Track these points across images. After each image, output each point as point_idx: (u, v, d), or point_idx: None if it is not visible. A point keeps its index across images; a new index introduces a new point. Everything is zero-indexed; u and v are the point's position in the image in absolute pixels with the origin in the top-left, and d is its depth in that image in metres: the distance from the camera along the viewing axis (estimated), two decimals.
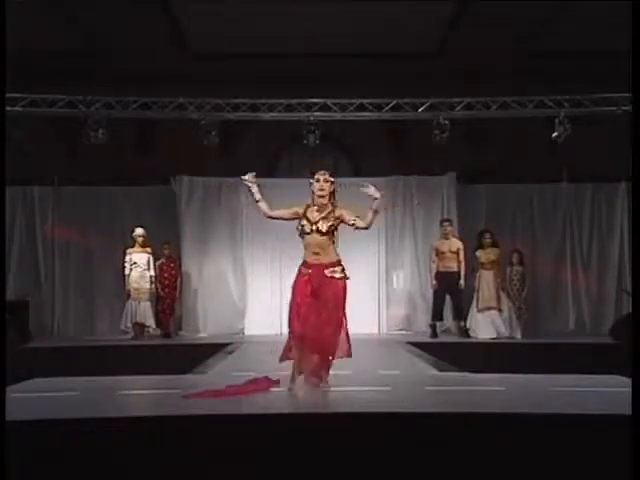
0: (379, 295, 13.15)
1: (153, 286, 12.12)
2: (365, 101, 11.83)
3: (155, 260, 12.16)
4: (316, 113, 11.77)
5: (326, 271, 5.98)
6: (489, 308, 11.81)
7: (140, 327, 12.03)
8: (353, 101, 11.82)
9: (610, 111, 11.56)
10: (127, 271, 12.01)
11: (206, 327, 12.93)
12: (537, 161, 12.72)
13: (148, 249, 12.09)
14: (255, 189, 6.20)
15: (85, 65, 12.08)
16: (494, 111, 11.87)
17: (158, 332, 12.28)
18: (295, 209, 6.16)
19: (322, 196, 6.06)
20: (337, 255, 6.09)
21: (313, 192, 6.12)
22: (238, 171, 12.97)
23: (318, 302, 5.93)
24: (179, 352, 10.51)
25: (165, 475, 4.26)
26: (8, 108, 10.56)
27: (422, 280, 13.05)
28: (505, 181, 13.22)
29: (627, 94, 10.45)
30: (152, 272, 12.08)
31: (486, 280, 11.88)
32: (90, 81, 11.94)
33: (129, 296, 12.01)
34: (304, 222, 6.05)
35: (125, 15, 10.90)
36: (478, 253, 12.00)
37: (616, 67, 9.44)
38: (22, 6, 9.69)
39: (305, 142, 11.79)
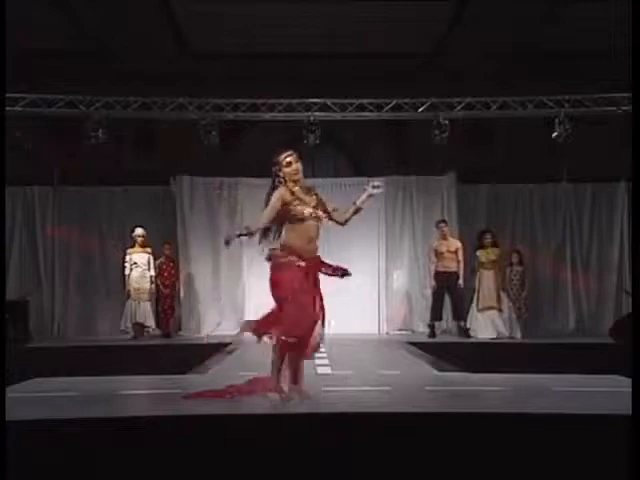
0: (379, 295, 13.15)
1: (153, 286, 12.13)
2: (365, 101, 11.84)
3: (155, 260, 12.18)
4: (316, 113, 11.77)
5: (322, 267, 5.50)
6: (489, 308, 11.83)
7: (140, 327, 12.04)
8: (353, 101, 11.82)
9: (610, 111, 11.56)
10: (127, 271, 12.03)
11: (206, 327, 12.94)
12: (537, 161, 12.72)
13: (148, 249, 12.10)
14: (249, 231, 5.55)
15: (85, 65, 12.08)
16: (494, 111, 11.87)
17: (158, 332, 12.28)
18: (279, 198, 5.41)
19: (299, 179, 5.48)
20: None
21: (284, 178, 5.44)
22: (238, 171, 13.19)
23: (314, 302, 5.40)
24: (179, 352, 10.51)
25: (165, 475, 4.25)
26: (8, 108, 10.56)
27: (422, 280, 13.05)
28: (505, 181, 13.22)
29: (627, 94, 10.45)
30: (152, 272, 12.10)
31: (486, 280, 11.89)
32: (90, 81, 11.95)
33: (129, 296, 12.02)
34: (303, 206, 5.41)
35: (125, 15, 10.90)
36: (478, 253, 12.01)
37: (616, 67, 9.44)
38: (22, 6, 9.69)
39: (305, 142, 11.79)
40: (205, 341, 11.71)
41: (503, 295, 11.95)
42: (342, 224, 5.58)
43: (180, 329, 12.90)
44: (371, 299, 13.12)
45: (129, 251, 12.10)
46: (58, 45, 11.70)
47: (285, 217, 5.43)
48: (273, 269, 5.47)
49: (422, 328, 12.63)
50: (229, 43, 11.95)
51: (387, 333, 12.92)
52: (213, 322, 13.01)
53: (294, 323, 5.29)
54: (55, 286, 13.10)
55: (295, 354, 5.43)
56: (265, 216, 5.47)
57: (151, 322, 12.12)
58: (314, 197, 5.53)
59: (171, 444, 4.34)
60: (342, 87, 12.08)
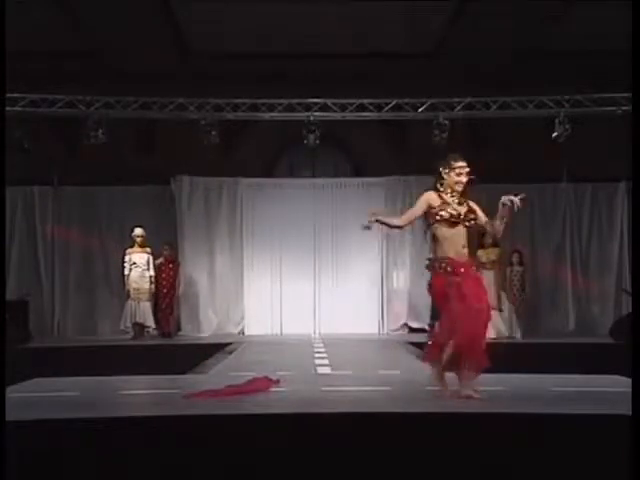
0: (379, 295, 13.16)
1: (152, 286, 12.13)
2: (365, 101, 11.83)
3: (154, 260, 12.18)
4: (316, 113, 11.76)
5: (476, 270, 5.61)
6: None
7: (140, 327, 12.04)
8: (353, 101, 11.82)
9: (610, 111, 11.55)
10: (127, 271, 12.02)
11: (206, 327, 12.94)
12: (537, 161, 12.70)
13: (148, 249, 12.10)
14: (384, 220, 5.56)
15: (85, 65, 12.08)
16: (494, 111, 11.86)
17: (158, 332, 12.28)
18: (425, 201, 5.56)
19: (458, 190, 5.65)
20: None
21: (445, 182, 5.72)
22: (238, 171, 13.19)
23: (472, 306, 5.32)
24: (179, 352, 10.51)
25: (165, 475, 4.25)
26: (8, 108, 10.55)
27: (422, 280, 13.04)
28: (505, 181, 13.18)
29: (627, 94, 10.44)
30: (152, 272, 12.09)
31: (486, 280, 11.87)
32: (90, 81, 11.94)
33: (129, 296, 12.01)
34: (448, 209, 5.50)
35: (125, 15, 10.89)
36: (479, 253, 11.99)
37: (616, 67, 9.43)
38: (22, 6, 9.68)
39: (305, 142, 11.79)
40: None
41: (503, 295, 11.94)
42: (496, 235, 5.71)
43: (180, 329, 12.91)
44: (371, 299, 13.13)
45: (128, 251, 12.09)
46: (58, 45, 11.69)
47: (432, 221, 5.50)
48: (431, 280, 5.56)
49: (424, 328, 12.62)
50: (229, 43, 11.94)
51: (387, 333, 12.92)
52: (212, 322, 13.02)
53: (449, 332, 5.37)
54: (55, 286, 13.10)
55: (466, 359, 5.36)
56: (404, 218, 5.64)
57: (151, 322, 12.12)
58: (465, 205, 5.60)
59: (171, 444, 4.34)
60: (342, 87, 12.07)
